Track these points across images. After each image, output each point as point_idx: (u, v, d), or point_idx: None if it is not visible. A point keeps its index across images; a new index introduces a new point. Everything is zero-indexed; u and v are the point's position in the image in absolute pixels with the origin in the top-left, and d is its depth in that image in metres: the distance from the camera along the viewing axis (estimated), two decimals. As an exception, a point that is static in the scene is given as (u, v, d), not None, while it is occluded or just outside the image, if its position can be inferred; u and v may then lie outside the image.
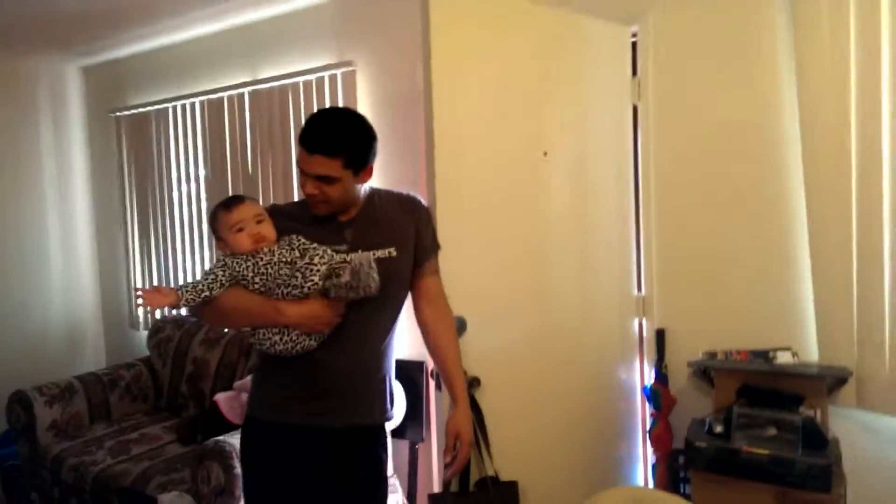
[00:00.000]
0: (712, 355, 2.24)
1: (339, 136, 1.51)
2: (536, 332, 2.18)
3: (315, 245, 1.54)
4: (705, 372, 2.28)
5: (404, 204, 1.70)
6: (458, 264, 1.89)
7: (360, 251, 1.59)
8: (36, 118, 4.11)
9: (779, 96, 2.18)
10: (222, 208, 1.56)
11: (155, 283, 4.02)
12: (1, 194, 3.92)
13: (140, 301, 1.47)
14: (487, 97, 2.07)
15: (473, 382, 1.99)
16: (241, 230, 1.52)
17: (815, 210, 2.08)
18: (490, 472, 1.98)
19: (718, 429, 2.02)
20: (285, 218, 1.61)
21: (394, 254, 1.62)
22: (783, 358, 2.12)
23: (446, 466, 1.75)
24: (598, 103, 2.35)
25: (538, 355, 2.18)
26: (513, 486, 1.97)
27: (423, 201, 1.75)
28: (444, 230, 1.83)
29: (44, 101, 4.15)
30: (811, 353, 2.15)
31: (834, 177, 2.03)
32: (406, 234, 1.66)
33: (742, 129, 2.25)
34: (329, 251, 1.53)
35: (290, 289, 1.50)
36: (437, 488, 1.98)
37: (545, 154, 2.17)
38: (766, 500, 1.90)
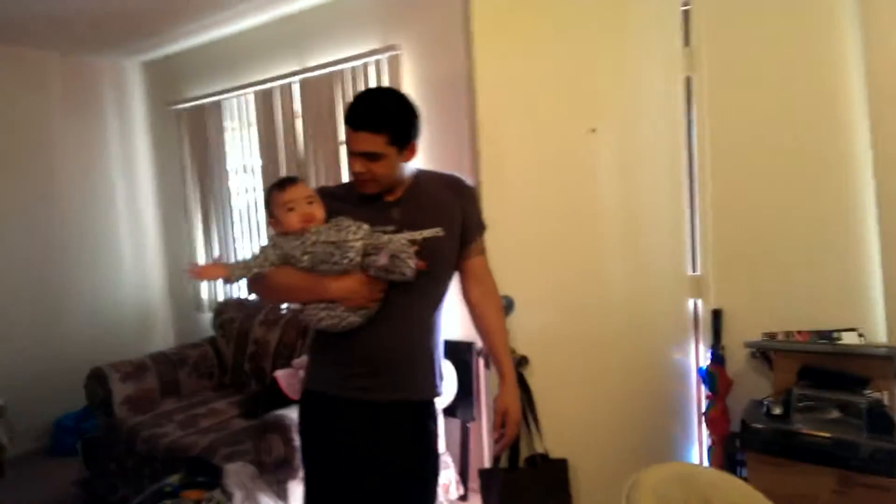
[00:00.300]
0: (772, 336, 2.16)
1: (383, 113, 1.54)
2: (585, 311, 2.15)
3: (352, 222, 1.57)
4: (764, 353, 2.20)
5: (450, 184, 1.72)
6: (504, 244, 1.88)
7: (405, 232, 1.61)
8: (102, 112, 4.32)
9: (844, 63, 2.05)
10: (276, 188, 1.62)
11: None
12: (73, 186, 4.16)
13: (190, 275, 1.56)
14: (532, 74, 2.04)
15: (522, 361, 2.00)
16: (291, 209, 1.57)
17: (884, 183, 1.97)
18: (540, 450, 1.99)
19: (777, 410, 1.96)
20: (333, 199, 1.65)
21: (440, 233, 1.63)
22: (848, 339, 2.02)
23: (495, 443, 1.77)
24: (649, 76, 2.27)
25: (587, 335, 2.16)
26: (562, 463, 1.97)
27: (469, 181, 1.76)
28: (490, 210, 1.83)
29: (108, 96, 4.35)
30: (878, 334, 2.04)
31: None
32: (452, 213, 1.67)
33: (804, 98, 2.13)
34: (365, 227, 1.56)
35: (330, 265, 1.54)
36: (487, 465, 2.01)
37: (593, 130, 2.12)
38: (826, 485, 1.83)
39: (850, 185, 2.08)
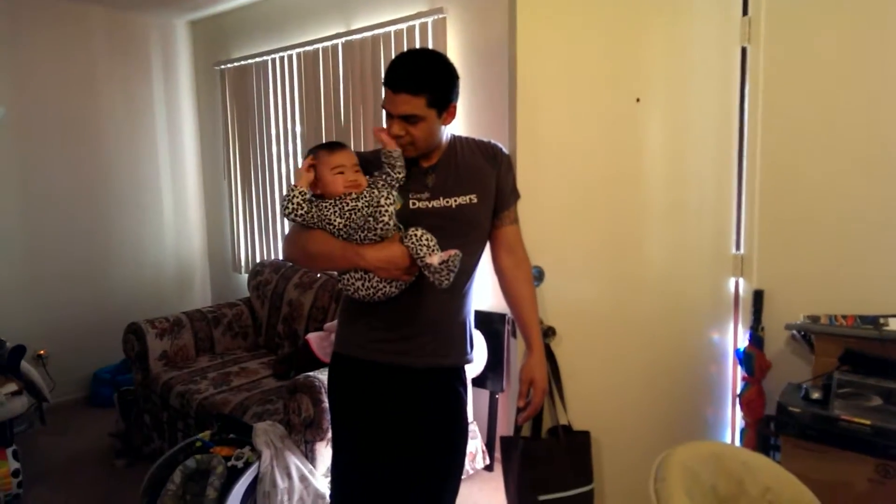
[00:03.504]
0: (814, 319, 2.09)
1: (423, 74, 1.52)
2: (618, 285, 2.11)
3: (384, 188, 1.55)
4: (805, 336, 2.14)
5: (486, 151, 1.70)
6: (538, 214, 1.86)
7: (441, 198, 1.60)
8: (149, 71, 4.37)
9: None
10: (325, 149, 1.60)
11: (255, 230, 4.24)
12: (119, 141, 4.24)
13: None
14: (575, 41, 1.98)
15: (549, 332, 1.98)
16: (340, 173, 1.56)
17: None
18: (563, 421, 1.98)
19: (816, 395, 1.90)
20: (368, 164, 1.64)
21: (475, 200, 1.63)
22: (895, 324, 1.95)
23: (519, 411, 1.76)
24: (701, 45, 2.18)
25: (619, 309, 2.12)
26: (585, 435, 1.96)
27: (505, 150, 1.74)
28: (525, 179, 1.80)
29: (155, 54, 4.40)
30: (929, 321, 1.96)
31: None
32: (487, 181, 1.66)
33: (866, 74, 2.04)
34: (394, 193, 1.54)
35: (366, 232, 1.53)
36: (510, 433, 2.01)
37: (637, 100, 2.06)
38: (864, 472, 1.78)
39: (907, 166, 1.99)
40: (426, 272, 1.50)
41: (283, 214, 1.57)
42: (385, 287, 1.55)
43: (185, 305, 4.44)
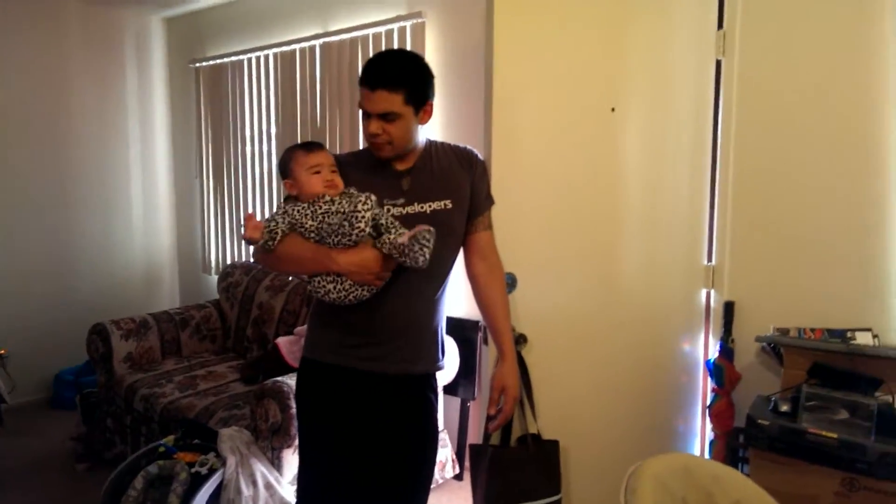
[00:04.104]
0: (784, 332, 2.11)
1: (399, 71, 1.52)
2: (590, 294, 2.12)
3: (360, 193, 1.54)
4: (774, 349, 2.16)
5: (461, 156, 1.69)
6: (512, 220, 1.85)
7: (415, 203, 1.59)
8: (122, 67, 4.29)
9: (884, 54, 1.98)
10: (301, 149, 1.58)
11: (227, 231, 4.17)
12: (89, 136, 4.14)
13: (243, 229, 1.53)
14: (553, 49, 1.98)
15: (520, 339, 1.97)
16: (317, 173, 1.54)
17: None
18: (532, 430, 1.97)
19: (784, 408, 1.92)
20: (344, 166, 1.62)
21: (449, 206, 1.62)
22: (862, 339, 1.97)
23: (490, 419, 1.75)
24: (677, 58, 2.21)
25: (591, 318, 2.12)
26: (554, 444, 1.95)
27: (480, 155, 1.74)
28: (499, 185, 1.79)
29: (129, 50, 4.32)
30: (893, 335, 2.00)
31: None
32: (462, 186, 1.65)
33: (839, 90, 2.07)
34: (373, 197, 1.52)
35: (339, 237, 1.50)
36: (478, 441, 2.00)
37: (613, 110, 2.07)
38: (830, 486, 1.80)
39: (873, 183, 2.02)
40: (402, 258, 1.48)
41: (262, 246, 1.53)
42: (356, 290, 1.53)
43: (153, 307, 4.34)
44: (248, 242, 1.53)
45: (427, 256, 1.47)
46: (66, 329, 3.97)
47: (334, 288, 1.53)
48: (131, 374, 3.10)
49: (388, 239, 1.49)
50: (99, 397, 3.16)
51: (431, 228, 1.48)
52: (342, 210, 1.51)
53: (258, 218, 1.56)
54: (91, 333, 3.18)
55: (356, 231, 1.49)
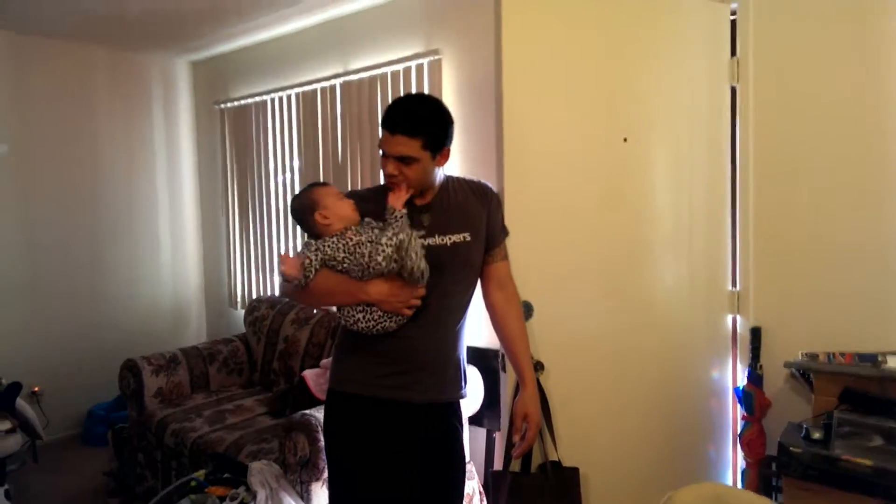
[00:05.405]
0: (813, 357, 2.09)
1: (421, 118, 1.57)
2: (609, 321, 2.12)
3: (391, 227, 1.57)
4: (804, 374, 2.13)
5: (476, 190, 1.74)
6: (527, 250, 1.89)
7: (436, 235, 1.63)
8: (150, 109, 4.43)
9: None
10: (317, 185, 1.67)
11: (252, 266, 4.25)
12: (118, 179, 4.27)
13: (282, 266, 1.57)
14: (563, 81, 2.03)
15: (537, 366, 1.98)
16: (343, 199, 1.62)
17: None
18: (553, 457, 1.96)
19: (817, 435, 1.89)
20: (363, 202, 1.67)
21: (468, 238, 1.66)
22: (893, 362, 1.94)
23: (511, 446, 1.76)
24: (691, 85, 2.24)
25: (611, 344, 2.13)
26: (574, 472, 1.95)
27: (494, 188, 1.80)
28: (513, 216, 1.84)
29: (156, 93, 4.46)
30: (928, 358, 1.96)
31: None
32: (479, 219, 1.70)
33: (854, 111, 2.08)
34: (400, 235, 1.56)
35: (363, 268, 1.55)
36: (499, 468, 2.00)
37: (625, 140, 2.10)
38: (867, 514, 1.76)
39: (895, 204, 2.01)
40: (403, 271, 1.52)
41: (299, 281, 1.57)
42: (385, 321, 1.57)
43: (181, 342, 4.41)
44: (286, 280, 1.57)
45: (421, 266, 1.52)
46: (97, 365, 4.04)
47: (363, 318, 1.58)
48: (162, 409, 3.14)
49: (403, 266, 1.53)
50: (130, 432, 3.21)
51: (412, 233, 1.54)
52: (371, 240, 1.55)
53: (291, 254, 1.61)
54: (123, 369, 3.24)
55: (373, 264, 1.53)
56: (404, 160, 1.56)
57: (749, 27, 2.25)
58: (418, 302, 1.58)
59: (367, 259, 1.53)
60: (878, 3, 2.02)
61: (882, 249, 2.05)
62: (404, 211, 1.58)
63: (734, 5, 2.27)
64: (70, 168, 4.04)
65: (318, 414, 2.41)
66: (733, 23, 2.29)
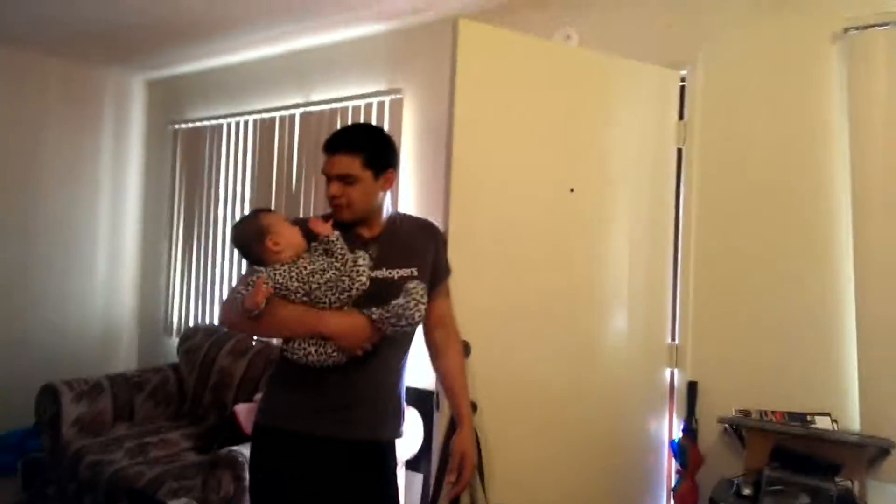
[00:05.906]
0: (746, 413, 2.13)
1: (360, 135, 1.64)
2: (548, 366, 2.15)
3: (357, 251, 1.57)
4: (737, 430, 2.17)
5: (423, 228, 1.77)
6: (469, 290, 1.90)
7: (383, 268, 1.61)
8: (100, 125, 4.30)
9: (831, 144, 2.11)
10: (264, 211, 1.65)
11: (192, 293, 4.11)
12: (58, 192, 4.09)
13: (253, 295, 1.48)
14: (513, 131, 2.11)
15: (472, 407, 1.96)
16: (292, 226, 1.59)
17: (862, 273, 1.99)
18: (482, 502, 1.93)
19: (747, 491, 1.92)
20: (304, 230, 1.63)
21: (415, 273, 1.65)
22: (822, 423, 2.00)
23: (440, 488, 1.72)
24: (639, 144, 2.33)
25: (548, 390, 2.15)
26: (502, 516, 1.91)
27: (440, 227, 1.83)
28: (457, 256, 1.85)
29: (108, 108, 4.35)
30: (852, 421, 2.03)
31: (885, 238, 1.95)
32: (425, 255, 1.71)
33: (791, 178, 2.18)
34: (364, 255, 1.55)
35: (338, 293, 1.52)
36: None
37: (571, 190, 2.16)
38: (793, 573, 1.77)
39: (831, 273, 2.10)
40: (398, 320, 1.52)
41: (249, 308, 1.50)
42: (336, 355, 1.53)
43: (109, 367, 4.17)
44: (247, 309, 1.49)
45: (423, 311, 1.53)
46: (16, 388, 3.77)
47: (315, 351, 1.52)
48: (80, 438, 2.96)
49: (384, 310, 1.51)
50: (43, 463, 3.00)
51: (423, 284, 1.55)
52: (330, 266, 1.52)
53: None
54: (40, 394, 3.05)
55: (357, 284, 1.51)
56: (346, 179, 1.57)
57: (697, 93, 2.36)
58: (377, 340, 1.55)
59: (348, 282, 1.50)
60: (807, 78, 2.16)
61: (815, 313, 2.13)
62: (338, 233, 1.57)
63: (684, 72, 2.39)
64: (7, 177, 3.86)
65: (246, 451, 2.31)
66: (682, 88, 2.40)
